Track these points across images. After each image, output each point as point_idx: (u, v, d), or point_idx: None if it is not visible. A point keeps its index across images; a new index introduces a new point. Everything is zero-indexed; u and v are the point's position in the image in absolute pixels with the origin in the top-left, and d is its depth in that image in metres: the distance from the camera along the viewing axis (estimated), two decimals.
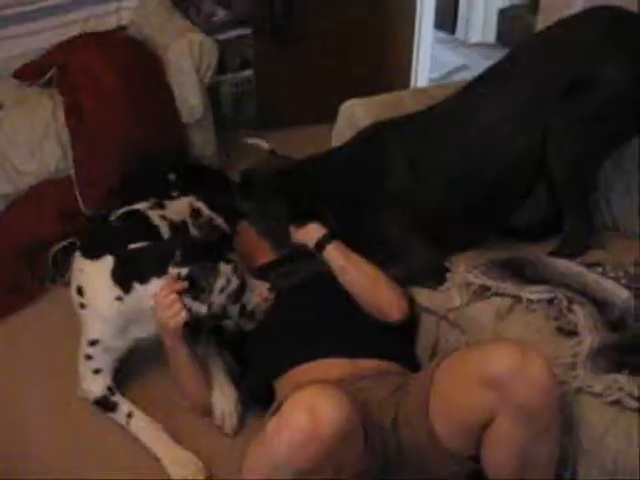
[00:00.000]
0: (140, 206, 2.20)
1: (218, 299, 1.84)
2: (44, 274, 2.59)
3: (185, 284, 1.78)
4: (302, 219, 2.02)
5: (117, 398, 2.04)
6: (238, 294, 1.89)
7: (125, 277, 1.91)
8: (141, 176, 2.53)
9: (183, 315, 1.77)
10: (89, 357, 2.04)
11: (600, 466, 1.46)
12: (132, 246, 1.97)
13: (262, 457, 1.38)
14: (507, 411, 1.38)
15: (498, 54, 4.69)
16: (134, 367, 2.19)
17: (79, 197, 2.63)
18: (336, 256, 1.94)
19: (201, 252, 1.89)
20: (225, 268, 1.85)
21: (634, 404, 1.44)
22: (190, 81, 2.82)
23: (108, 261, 1.95)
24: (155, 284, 1.85)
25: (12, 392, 2.19)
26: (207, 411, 2.00)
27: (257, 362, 1.97)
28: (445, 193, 1.98)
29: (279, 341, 1.88)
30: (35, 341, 2.38)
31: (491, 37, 4.95)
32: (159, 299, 1.79)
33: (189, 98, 2.84)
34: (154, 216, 2.14)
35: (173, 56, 2.81)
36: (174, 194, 2.37)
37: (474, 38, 4.96)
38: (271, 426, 1.36)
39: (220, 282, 1.84)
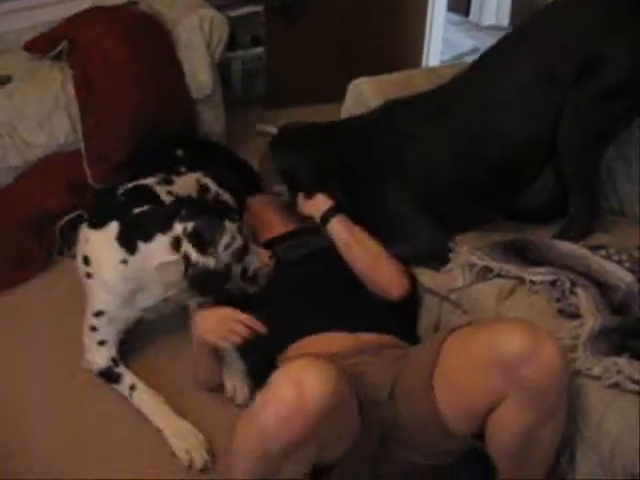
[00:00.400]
0: (147, 181, 2.21)
1: (224, 256, 1.89)
2: (51, 246, 2.60)
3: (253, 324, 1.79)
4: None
5: (121, 369, 2.06)
6: (241, 254, 1.95)
7: (130, 238, 1.95)
8: (149, 151, 2.53)
9: (233, 339, 1.79)
10: (94, 329, 2.06)
11: (598, 452, 1.46)
12: (137, 210, 2.00)
13: (250, 430, 1.38)
14: (515, 393, 1.37)
15: None
16: (138, 341, 2.21)
17: (87, 170, 2.63)
18: (340, 230, 1.96)
19: (206, 209, 1.94)
20: (230, 226, 1.91)
21: (633, 387, 1.44)
22: (200, 57, 2.81)
23: (113, 226, 1.98)
24: (159, 240, 1.90)
25: (17, 362, 2.21)
26: (215, 385, 2.04)
27: (260, 337, 1.97)
28: (450, 171, 1.98)
29: (282, 315, 1.89)
30: (41, 313, 2.39)
31: (505, 20, 4.90)
32: (211, 318, 1.84)
33: (198, 74, 2.82)
34: (161, 191, 2.15)
35: (183, 31, 2.80)
36: (182, 170, 2.36)
37: (487, 21, 4.91)
38: (259, 399, 1.36)
39: (225, 238, 1.89)
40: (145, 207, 2.00)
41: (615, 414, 1.45)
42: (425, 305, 2.00)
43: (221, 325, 1.80)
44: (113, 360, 2.07)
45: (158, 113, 2.66)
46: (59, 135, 2.68)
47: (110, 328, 2.07)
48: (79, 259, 2.10)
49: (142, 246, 1.93)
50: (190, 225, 1.86)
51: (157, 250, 1.91)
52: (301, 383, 1.30)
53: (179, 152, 2.51)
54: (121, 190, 2.20)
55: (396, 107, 2.06)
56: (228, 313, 1.82)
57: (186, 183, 2.27)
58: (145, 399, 2.00)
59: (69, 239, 2.60)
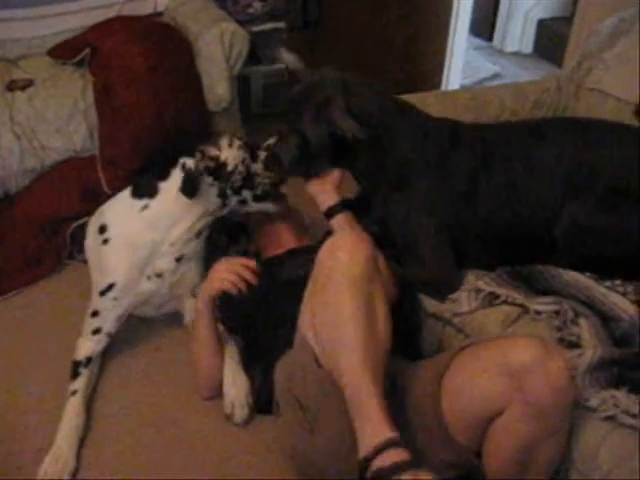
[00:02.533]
0: None
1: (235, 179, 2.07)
2: (62, 250, 2.63)
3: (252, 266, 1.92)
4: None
5: (84, 371, 2.08)
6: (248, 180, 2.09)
7: (146, 187, 2.10)
8: (160, 159, 2.55)
9: (228, 285, 1.88)
10: (95, 313, 2.11)
11: None
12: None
13: (337, 271, 1.49)
14: (518, 403, 1.38)
15: (534, 64, 4.72)
16: (121, 346, 2.26)
17: (102, 177, 2.66)
18: (343, 228, 1.94)
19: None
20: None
21: (629, 421, 1.42)
22: (219, 70, 2.83)
23: (125, 191, 2.15)
24: (175, 174, 2.07)
25: (23, 363, 2.23)
26: (215, 392, 2.03)
27: (264, 358, 1.97)
28: (490, 218, 1.91)
29: (282, 333, 1.87)
30: (48, 315, 2.42)
31: (528, 47, 4.92)
32: (222, 265, 1.92)
33: (217, 87, 2.85)
34: None
35: (204, 44, 2.83)
36: None
37: (510, 47, 4.93)
38: (322, 258, 1.55)
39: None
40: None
41: (609, 448, 1.42)
42: (427, 328, 1.99)
43: (230, 270, 1.90)
44: (88, 358, 2.10)
45: (174, 124, 2.68)
46: (76, 141, 2.71)
47: (111, 311, 2.11)
48: (91, 236, 2.19)
49: (162, 184, 2.07)
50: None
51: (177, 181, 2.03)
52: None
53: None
54: None
55: (463, 130, 1.98)
56: (238, 260, 1.95)
57: None
58: (71, 410, 2.00)
59: (80, 244, 2.62)
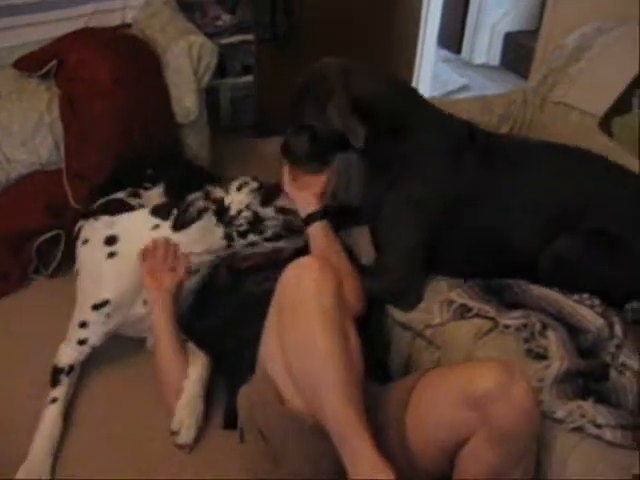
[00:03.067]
0: (119, 195, 2.31)
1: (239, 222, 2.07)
2: (28, 264, 2.58)
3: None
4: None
5: (65, 379, 2.04)
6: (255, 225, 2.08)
7: (164, 208, 2.10)
8: (125, 172, 2.55)
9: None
10: (84, 324, 2.05)
11: None
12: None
13: (304, 305, 1.47)
14: (485, 431, 1.36)
15: (501, 77, 4.78)
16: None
17: (68, 191, 2.62)
18: (321, 236, 1.94)
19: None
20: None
21: (596, 431, 1.44)
22: (187, 83, 2.81)
23: (144, 209, 2.15)
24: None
25: None
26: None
27: (230, 378, 1.95)
28: (478, 228, 1.91)
29: (247, 355, 1.81)
30: (14, 331, 2.37)
31: (495, 60, 4.98)
32: (149, 266, 1.99)
33: (184, 100, 2.83)
34: (133, 202, 2.25)
35: (172, 57, 2.80)
36: (147, 185, 2.44)
37: (478, 59, 4.99)
38: (287, 285, 1.51)
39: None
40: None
41: (578, 458, 1.44)
42: (395, 340, 1.99)
43: (161, 269, 1.99)
44: (70, 367, 2.05)
45: (142, 137, 2.65)
46: (42, 154, 2.67)
47: (102, 326, 2.06)
48: (95, 245, 2.11)
49: (175, 210, 2.05)
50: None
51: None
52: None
53: (149, 171, 2.53)
54: (96, 205, 2.28)
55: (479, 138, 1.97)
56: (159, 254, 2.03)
57: (152, 197, 2.37)
58: (48, 419, 1.95)
59: (46, 258, 2.59)
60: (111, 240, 2.08)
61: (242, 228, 2.08)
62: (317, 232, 1.95)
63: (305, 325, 1.44)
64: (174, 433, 1.90)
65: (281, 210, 2.09)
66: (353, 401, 1.39)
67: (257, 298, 1.89)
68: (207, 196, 2.06)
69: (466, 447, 1.41)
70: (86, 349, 2.08)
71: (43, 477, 1.85)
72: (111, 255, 2.06)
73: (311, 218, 1.96)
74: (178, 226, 2.03)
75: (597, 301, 1.73)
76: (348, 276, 1.85)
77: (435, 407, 1.48)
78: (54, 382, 2.03)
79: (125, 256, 2.06)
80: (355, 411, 1.38)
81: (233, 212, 2.07)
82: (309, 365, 1.43)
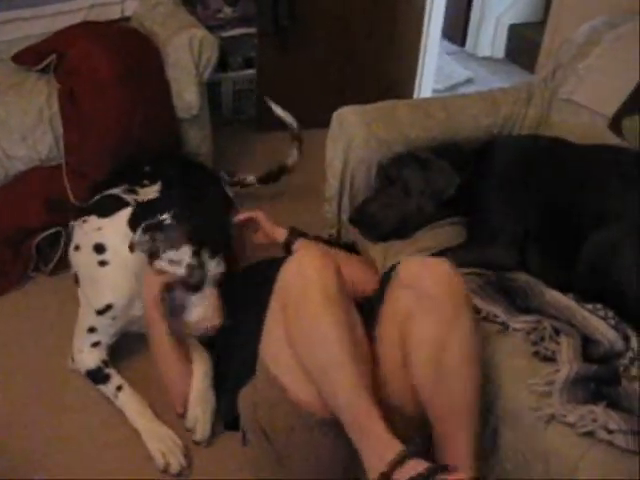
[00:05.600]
0: (115, 191, 2.29)
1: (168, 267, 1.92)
2: (28, 262, 2.55)
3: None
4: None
5: (110, 371, 2.07)
6: (188, 286, 1.94)
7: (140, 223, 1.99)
8: (124, 169, 2.52)
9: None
10: (92, 329, 2.08)
11: None
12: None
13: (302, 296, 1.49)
14: (420, 304, 1.52)
15: (505, 69, 4.74)
16: (129, 346, 2.22)
17: (68, 187, 2.59)
18: (306, 243, 2.10)
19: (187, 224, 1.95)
20: (185, 253, 1.90)
21: (607, 436, 1.41)
22: (187, 76, 2.77)
23: (124, 213, 2.10)
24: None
25: None
26: (184, 408, 1.96)
27: (231, 378, 1.92)
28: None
29: (246, 357, 1.79)
30: (13, 329, 2.35)
31: (500, 52, 4.93)
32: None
33: (185, 94, 2.79)
34: (129, 199, 2.22)
35: (172, 50, 2.76)
36: (145, 183, 2.41)
37: (483, 52, 4.95)
38: (289, 279, 1.53)
39: (169, 254, 1.91)
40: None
41: (588, 464, 1.41)
42: None
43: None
44: (104, 362, 2.08)
45: (142, 132, 2.62)
46: (41, 149, 2.64)
47: (110, 328, 2.09)
48: (86, 251, 2.12)
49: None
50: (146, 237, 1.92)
51: None
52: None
53: (147, 168, 2.50)
54: (94, 200, 2.29)
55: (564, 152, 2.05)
56: None
57: (148, 194, 2.33)
58: (129, 401, 2.01)
59: (46, 255, 2.57)
60: (99, 248, 2.08)
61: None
62: (303, 244, 2.08)
63: (312, 314, 1.47)
64: (190, 430, 1.92)
65: None
66: (362, 382, 1.42)
67: (251, 300, 1.89)
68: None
69: (410, 327, 1.54)
70: (102, 348, 2.11)
71: (175, 441, 1.92)
72: (102, 264, 2.07)
73: (290, 240, 2.12)
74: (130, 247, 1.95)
75: (611, 313, 1.69)
76: (351, 262, 1.99)
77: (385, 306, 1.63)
78: (102, 379, 2.06)
79: (116, 264, 2.06)
80: (365, 392, 1.41)
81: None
82: (319, 353, 1.46)
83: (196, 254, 1.91)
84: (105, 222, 2.13)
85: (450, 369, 1.51)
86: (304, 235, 2.14)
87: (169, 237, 1.90)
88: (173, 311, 1.98)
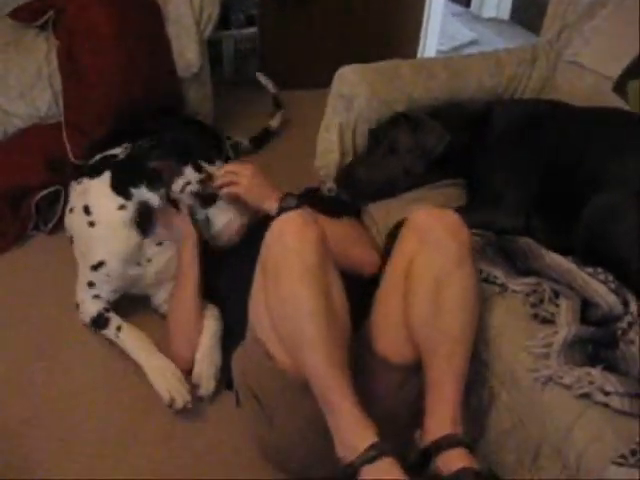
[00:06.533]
0: (115, 151, 2.25)
1: (183, 197, 2.04)
2: (27, 221, 2.55)
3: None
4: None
5: (110, 315, 2.10)
6: (204, 200, 2.04)
7: (121, 186, 2.06)
8: (124, 127, 2.49)
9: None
10: (91, 284, 2.11)
11: (564, 460, 1.44)
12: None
13: (285, 261, 1.47)
14: (426, 245, 1.58)
15: (510, 31, 4.67)
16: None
17: (67, 145, 2.57)
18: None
19: (173, 152, 2.04)
20: (190, 172, 2.02)
21: (604, 399, 1.42)
22: (188, 34, 2.74)
23: (106, 176, 2.09)
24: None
25: None
26: (189, 364, 1.98)
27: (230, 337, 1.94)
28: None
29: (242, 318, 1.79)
30: (12, 288, 2.35)
31: (505, 14, 4.87)
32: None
33: (186, 52, 2.76)
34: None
35: (173, 7, 2.73)
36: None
37: (488, 13, 4.89)
38: (270, 243, 1.51)
39: (179, 182, 2.01)
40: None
41: (584, 425, 1.42)
42: None
43: None
44: (105, 308, 2.11)
45: (143, 90, 2.60)
46: (40, 106, 2.63)
47: (106, 285, 2.11)
48: (77, 212, 2.14)
49: (134, 191, 2.04)
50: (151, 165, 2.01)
51: (144, 195, 2.05)
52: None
53: (148, 127, 2.43)
54: (93, 161, 2.26)
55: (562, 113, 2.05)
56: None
57: None
58: (129, 337, 2.05)
59: (45, 214, 2.56)
60: (87, 210, 2.10)
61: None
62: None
63: (288, 283, 1.45)
64: (195, 386, 1.94)
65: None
66: (334, 359, 1.41)
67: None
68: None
69: (413, 262, 1.60)
70: (104, 300, 2.13)
71: (180, 377, 1.94)
72: (91, 224, 2.09)
73: (283, 208, 1.90)
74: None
75: (611, 277, 1.68)
76: (348, 241, 1.91)
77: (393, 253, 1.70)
78: (103, 324, 2.10)
79: (104, 225, 2.08)
80: (336, 369, 1.40)
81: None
82: (292, 323, 1.44)
83: (198, 169, 2.02)
84: (92, 183, 2.13)
85: (448, 307, 1.54)
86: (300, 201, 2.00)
87: (168, 176, 2.01)
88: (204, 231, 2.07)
